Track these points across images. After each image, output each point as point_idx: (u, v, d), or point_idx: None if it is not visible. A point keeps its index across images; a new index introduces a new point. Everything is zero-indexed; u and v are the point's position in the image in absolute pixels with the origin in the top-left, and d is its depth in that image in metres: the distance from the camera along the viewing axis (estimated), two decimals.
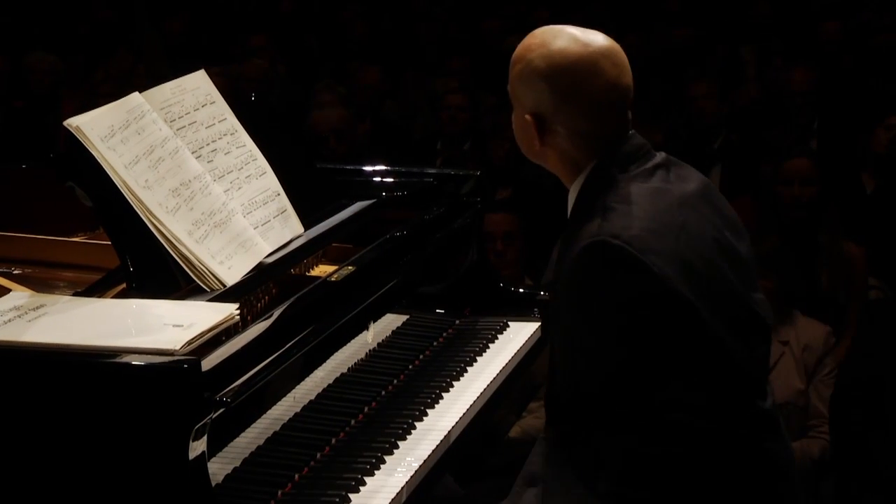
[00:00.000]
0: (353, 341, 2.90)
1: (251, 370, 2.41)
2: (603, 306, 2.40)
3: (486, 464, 3.92)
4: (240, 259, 2.79)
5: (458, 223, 3.53)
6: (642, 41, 7.97)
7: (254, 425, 2.50)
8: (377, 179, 3.63)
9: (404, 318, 3.23)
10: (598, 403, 2.44)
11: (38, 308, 2.46)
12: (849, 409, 4.50)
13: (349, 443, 2.76)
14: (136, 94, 2.79)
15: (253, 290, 2.80)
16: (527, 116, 2.57)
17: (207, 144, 2.91)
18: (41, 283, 2.89)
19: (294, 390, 2.65)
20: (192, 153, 2.84)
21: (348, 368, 2.89)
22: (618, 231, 2.40)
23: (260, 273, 2.83)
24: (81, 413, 2.23)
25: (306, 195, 3.15)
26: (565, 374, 2.53)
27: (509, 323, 3.54)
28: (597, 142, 2.54)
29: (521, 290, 3.71)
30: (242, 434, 2.46)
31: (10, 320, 2.41)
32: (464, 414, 2.97)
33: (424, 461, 2.72)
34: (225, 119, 2.99)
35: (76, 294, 2.66)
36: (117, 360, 2.25)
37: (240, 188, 2.94)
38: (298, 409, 2.67)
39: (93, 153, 2.61)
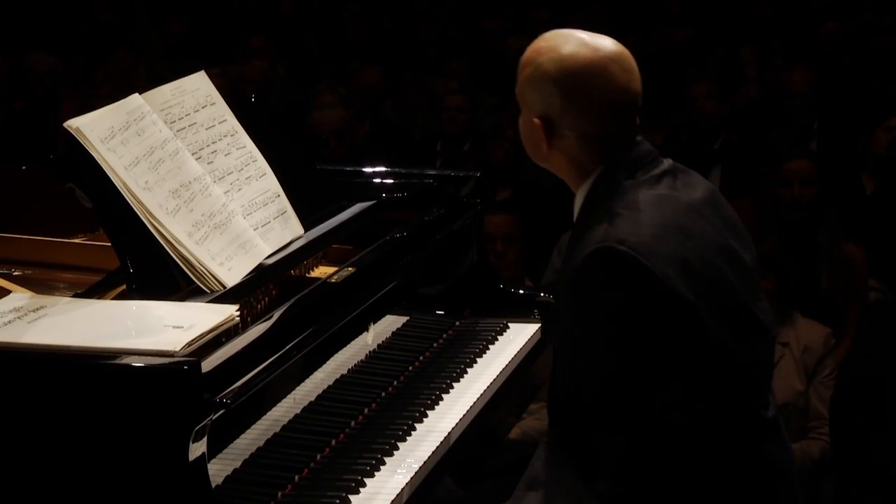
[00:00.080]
0: (353, 343, 2.90)
1: (251, 371, 2.41)
2: (607, 310, 2.40)
3: (486, 465, 3.92)
4: (240, 260, 2.79)
5: (458, 224, 3.53)
6: (642, 42, 7.96)
7: (254, 426, 2.50)
8: (377, 181, 3.63)
9: (404, 319, 3.23)
10: (599, 405, 2.44)
11: (38, 309, 2.46)
12: (849, 410, 4.50)
13: (349, 444, 2.76)
14: (136, 95, 2.80)
15: (253, 292, 2.80)
16: (535, 120, 2.57)
17: (207, 146, 2.91)
18: (41, 285, 2.89)
19: (294, 392, 2.65)
20: (193, 154, 2.84)
21: (348, 370, 2.89)
22: (624, 237, 2.40)
23: (260, 274, 2.83)
24: (81, 414, 2.23)
25: (306, 196, 3.15)
26: (566, 376, 2.54)
27: (509, 324, 3.54)
28: (604, 146, 2.54)
29: (521, 292, 3.71)
30: (242, 435, 2.46)
31: (10, 322, 2.41)
32: (464, 415, 2.97)
33: (424, 462, 2.72)
34: (225, 120, 2.99)
35: (76, 295, 2.66)
36: (117, 361, 2.25)
37: (240, 189, 2.94)
38: (298, 411, 2.67)
39: (93, 154, 2.61)
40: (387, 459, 2.70)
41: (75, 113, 2.69)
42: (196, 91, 2.96)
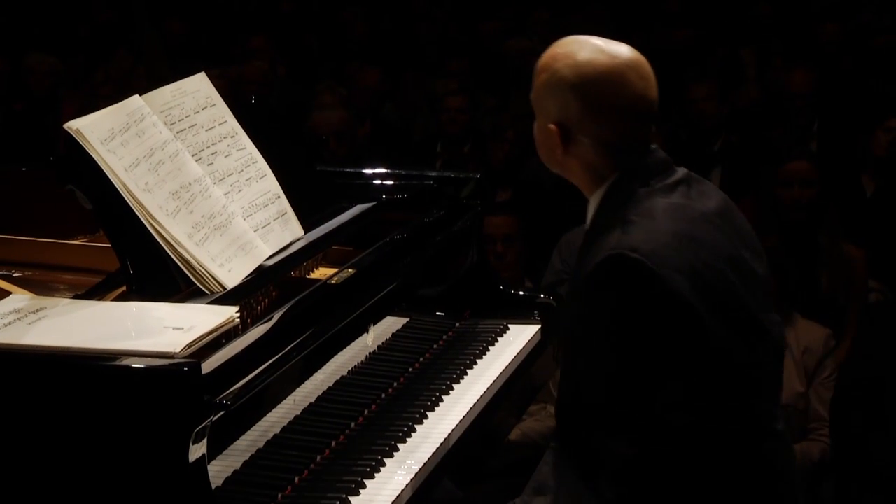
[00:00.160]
0: (353, 344, 2.90)
1: (251, 373, 2.41)
2: (615, 315, 2.40)
3: (486, 466, 3.92)
4: (240, 262, 2.79)
5: (458, 225, 3.53)
6: (642, 42, 7.92)
7: (254, 428, 2.50)
8: (377, 182, 3.63)
9: (404, 320, 3.23)
10: (601, 407, 2.45)
11: (38, 311, 2.46)
12: (849, 411, 4.50)
13: (349, 445, 2.76)
14: (137, 96, 2.80)
15: (253, 293, 2.80)
16: (551, 126, 2.56)
17: (207, 147, 2.92)
18: (41, 286, 2.89)
19: (294, 393, 2.65)
20: (193, 156, 2.84)
21: (348, 371, 2.90)
22: (637, 244, 2.41)
23: (260, 276, 2.83)
24: (82, 416, 2.23)
25: (306, 198, 3.15)
26: (572, 381, 2.54)
27: (509, 325, 3.54)
28: (620, 153, 2.54)
29: (520, 293, 3.71)
30: (242, 437, 2.46)
31: (10, 323, 2.41)
32: (464, 417, 2.97)
33: (424, 464, 2.72)
34: (225, 122, 3.00)
35: (76, 297, 2.66)
36: (117, 362, 2.25)
37: (240, 191, 2.94)
38: (298, 412, 2.67)
39: (93, 156, 2.62)
40: (387, 461, 2.70)
41: (75, 114, 2.70)
42: (196, 92, 2.96)
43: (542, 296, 3.65)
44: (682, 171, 2.59)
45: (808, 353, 4.70)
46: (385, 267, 3.08)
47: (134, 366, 2.23)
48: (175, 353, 2.26)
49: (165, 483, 2.22)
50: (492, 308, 3.60)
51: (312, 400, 2.73)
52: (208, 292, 2.67)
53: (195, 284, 2.67)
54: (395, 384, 3.07)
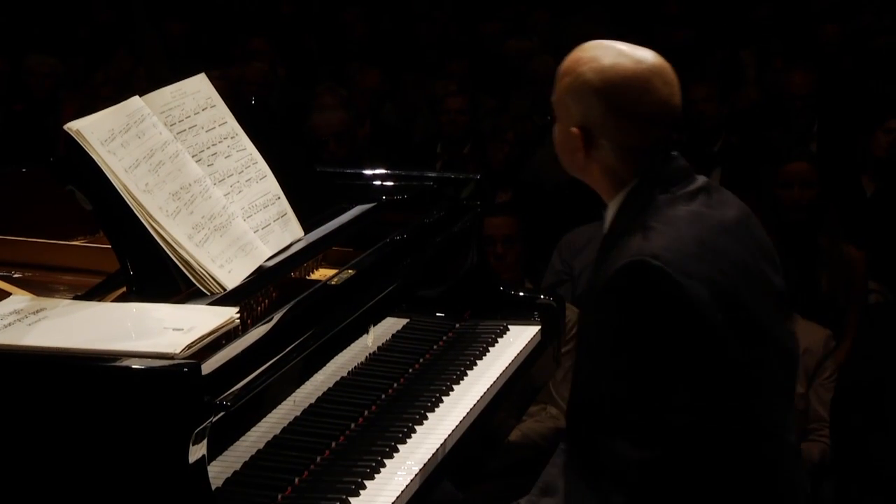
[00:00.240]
0: (353, 345, 2.90)
1: (251, 374, 2.41)
2: (634, 323, 2.40)
3: (486, 467, 3.92)
4: (240, 263, 2.79)
5: (458, 226, 3.53)
6: (642, 43, 7.94)
7: (254, 429, 2.50)
8: (377, 183, 3.63)
9: (404, 321, 3.23)
10: (615, 413, 2.44)
11: (38, 312, 2.46)
12: (849, 412, 4.50)
13: (349, 446, 2.76)
14: (137, 97, 2.80)
15: (253, 294, 2.80)
16: (573, 129, 2.55)
17: (208, 148, 2.92)
18: (41, 287, 2.89)
19: (294, 394, 2.65)
20: (193, 157, 2.84)
21: (348, 372, 2.89)
22: (658, 252, 2.40)
23: (260, 277, 2.83)
24: (81, 417, 2.23)
25: (306, 198, 3.15)
26: (586, 383, 2.53)
27: (509, 326, 3.54)
28: (642, 158, 2.54)
29: (520, 294, 3.71)
30: (242, 438, 2.46)
31: (10, 324, 2.41)
32: (464, 417, 2.97)
33: (424, 465, 2.72)
34: (225, 122, 3.00)
35: (76, 298, 2.66)
36: (117, 363, 2.25)
37: (240, 192, 2.94)
38: (298, 413, 2.67)
39: (93, 157, 2.62)
40: (387, 462, 2.70)
41: (75, 115, 2.70)
42: (196, 93, 2.96)
43: (542, 296, 3.65)
44: (702, 179, 2.59)
45: (808, 353, 4.70)
46: (385, 268, 3.08)
47: (134, 367, 2.23)
48: (175, 354, 2.26)
49: (165, 484, 2.22)
50: (492, 309, 3.60)
51: (312, 401, 2.73)
52: (208, 293, 2.68)
53: (195, 285, 2.67)
54: (395, 385, 3.07)
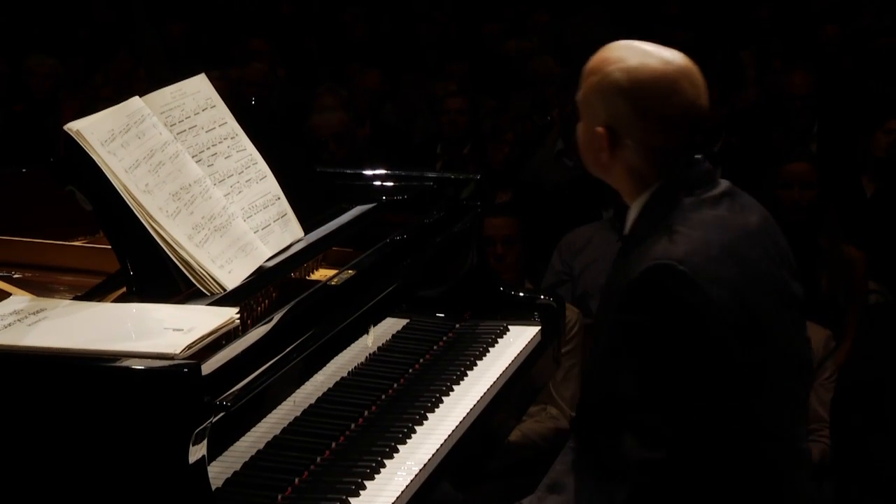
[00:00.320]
0: (353, 345, 2.90)
1: (251, 374, 2.41)
2: (656, 326, 2.40)
3: (486, 467, 3.92)
4: (240, 263, 2.79)
5: (458, 227, 3.53)
6: None
7: (254, 429, 2.50)
8: (377, 183, 3.63)
9: (404, 321, 3.23)
10: (629, 414, 2.43)
11: (38, 312, 2.46)
12: (849, 412, 4.50)
13: (349, 447, 2.76)
14: (137, 98, 2.80)
15: (253, 294, 2.80)
16: (599, 129, 2.54)
17: (208, 148, 2.92)
18: (41, 287, 2.89)
19: (294, 394, 2.65)
20: (193, 157, 2.84)
21: (348, 372, 2.89)
22: (683, 256, 2.40)
23: (260, 277, 2.83)
24: (82, 417, 2.23)
25: (306, 199, 3.15)
26: (601, 384, 2.53)
27: (509, 327, 3.54)
28: (666, 159, 2.53)
29: (521, 294, 3.71)
30: (242, 438, 2.46)
31: (10, 324, 2.41)
32: (464, 418, 2.97)
33: (424, 465, 2.72)
34: (225, 123, 3.00)
35: (76, 298, 2.66)
36: (117, 364, 2.25)
37: (240, 192, 2.94)
38: (298, 413, 2.67)
39: (93, 157, 2.62)
40: (387, 462, 2.70)
41: (75, 115, 2.69)
42: (196, 94, 2.96)
43: (542, 297, 3.65)
44: (725, 184, 2.58)
45: None
46: (385, 268, 3.08)
47: (134, 367, 2.23)
48: (175, 355, 2.26)
49: (165, 484, 2.22)
50: (492, 309, 3.60)
51: (312, 401, 2.73)
52: (208, 293, 2.68)
53: (195, 286, 2.67)
54: (395, 385, 3.07)
